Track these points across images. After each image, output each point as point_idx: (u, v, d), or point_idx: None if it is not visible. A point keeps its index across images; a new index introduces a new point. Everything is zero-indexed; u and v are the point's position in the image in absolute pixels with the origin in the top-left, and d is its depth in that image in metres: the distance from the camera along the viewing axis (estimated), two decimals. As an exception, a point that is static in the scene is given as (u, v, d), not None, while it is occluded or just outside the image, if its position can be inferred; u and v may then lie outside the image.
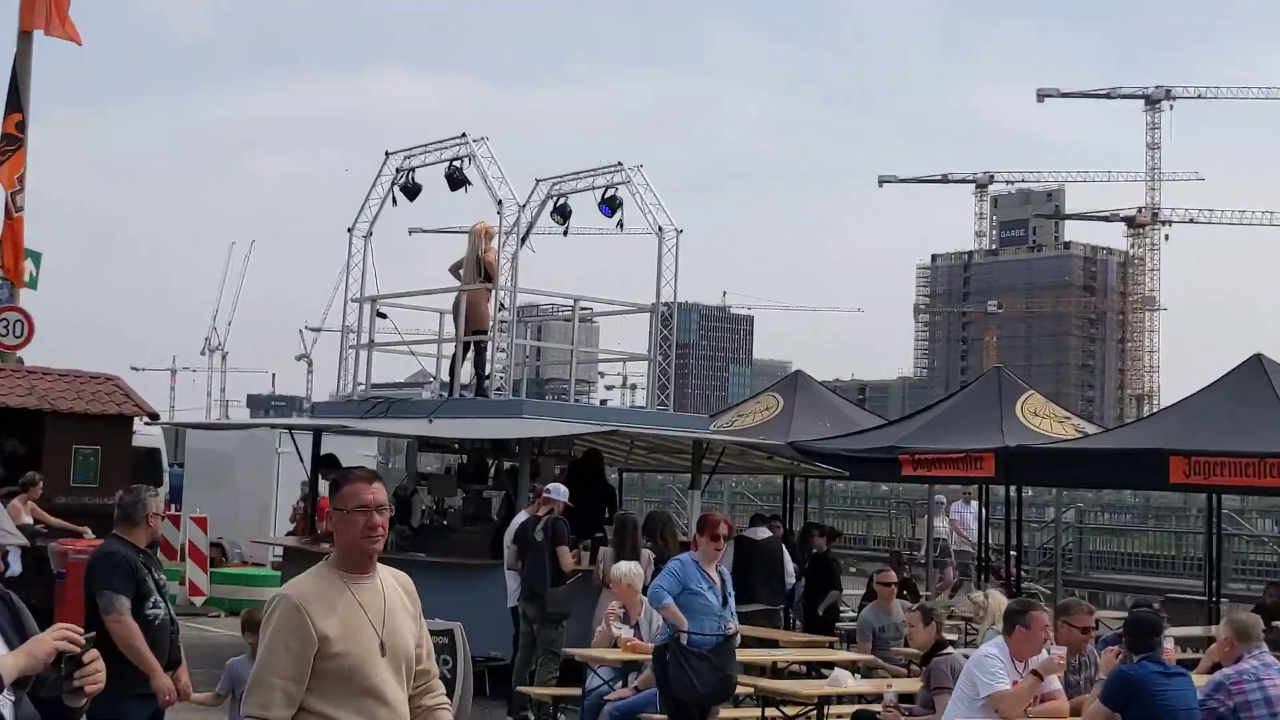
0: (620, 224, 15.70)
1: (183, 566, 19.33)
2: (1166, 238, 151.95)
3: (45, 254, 20.43)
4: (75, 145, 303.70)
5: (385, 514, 4.48)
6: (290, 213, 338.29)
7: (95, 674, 3.47)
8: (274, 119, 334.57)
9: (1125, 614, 10.71)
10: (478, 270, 14.93)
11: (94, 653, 3.49)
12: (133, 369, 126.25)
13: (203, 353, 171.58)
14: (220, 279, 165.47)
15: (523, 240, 15.77)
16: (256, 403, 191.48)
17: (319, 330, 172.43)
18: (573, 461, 15.33)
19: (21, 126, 18.13)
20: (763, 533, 14.57)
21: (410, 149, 15.90)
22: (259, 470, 23.38)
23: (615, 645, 10.59)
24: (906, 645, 10.93)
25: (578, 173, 16.28)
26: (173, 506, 23.64)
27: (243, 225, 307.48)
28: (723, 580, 9.09)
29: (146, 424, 21.94)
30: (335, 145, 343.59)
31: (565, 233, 16.71)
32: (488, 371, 15.77)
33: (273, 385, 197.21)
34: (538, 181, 16.67)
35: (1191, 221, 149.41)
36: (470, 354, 15.39)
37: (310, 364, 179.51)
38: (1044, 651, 7.50)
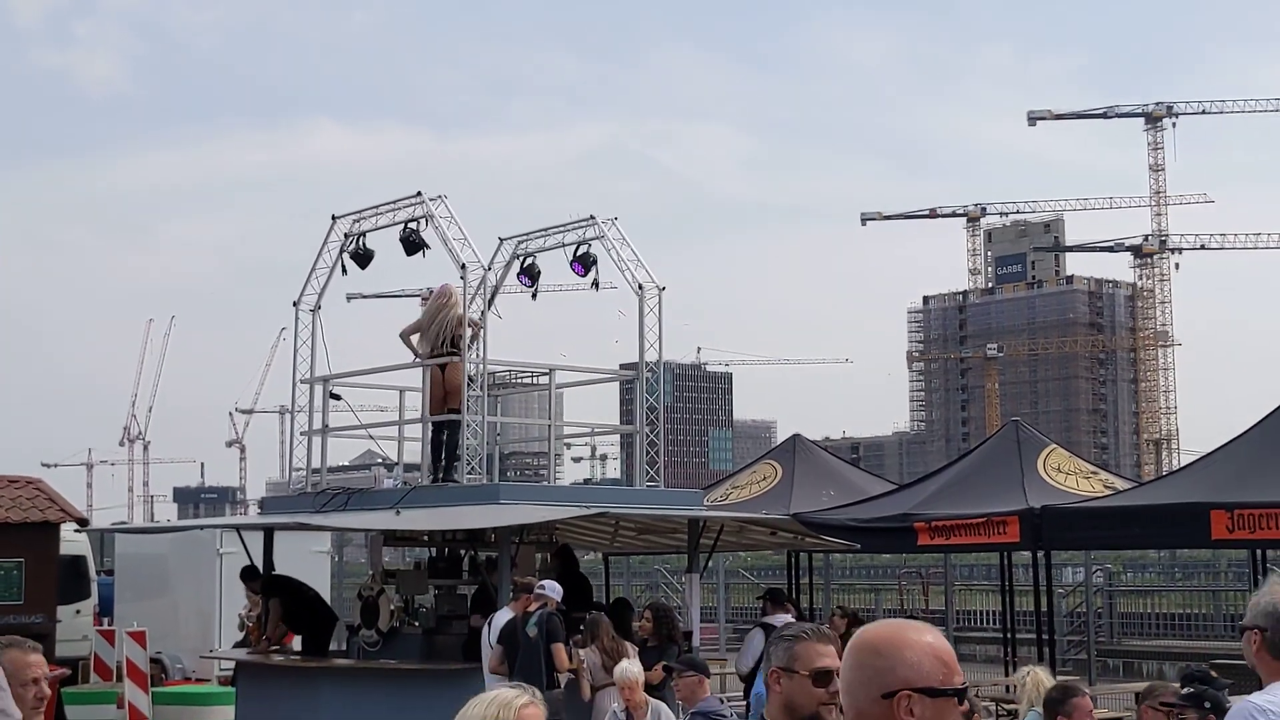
0: (595, 283, 15.71)
1: (120, 688, 19.01)
2: (1176, 266, 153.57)
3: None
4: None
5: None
6: (213, 283, 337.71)
7: None
8: (191, 179, 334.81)
9: (1178, 684, 10.66)
10: (444, 339, 14.85)
11: None
12: (43, 465, 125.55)
13: (121, 443, 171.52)
14: (138, 361, 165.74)
15: (488, 305, 15.74)
16: (185, 496, 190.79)
17: (251, 412, 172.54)
18: (559, 550, 15.27)
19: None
20: (784, 619, 14.49)
21: (360, 211, 15.87)
22: (199, 575, 23.12)
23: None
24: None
25: (545, 229, 16.29)
26: (104, 620, 23.34)
27: (161, 299, 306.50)
28: None
29: (76, 531, 21.73)
30: (261, 206, 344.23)
31: (534, 295, 16.72)
32: (457, 452, 15.68)
33: (201, 475, 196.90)
34: (501, 240, 16.68)
35: (1202, 248, 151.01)
36: (432, 434, 15.30)
37: (243, 450, 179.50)
38: None
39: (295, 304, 16.31)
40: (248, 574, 16.58)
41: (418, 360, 15.07)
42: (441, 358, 14.77)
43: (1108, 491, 17.74)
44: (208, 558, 22.64)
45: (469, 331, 14.74)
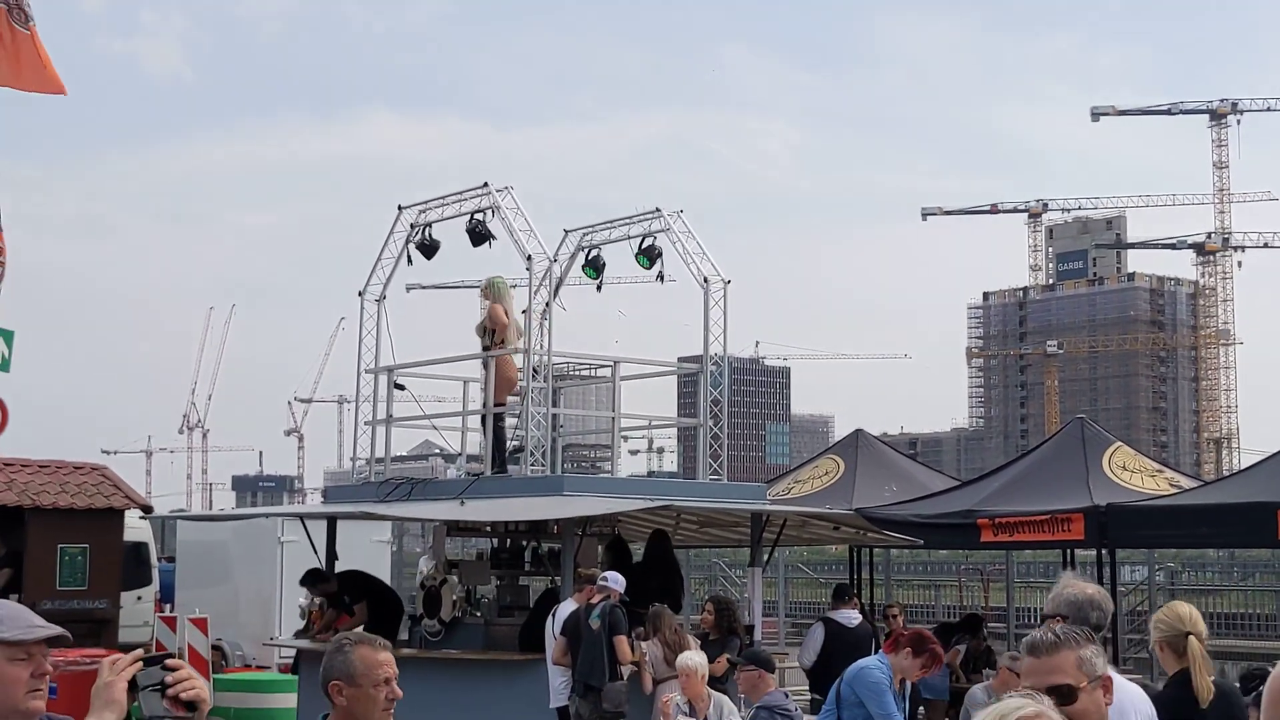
0: (660, 276, 15.71)
1: (183, 674, 19.22)
2: (1239, 265, 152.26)
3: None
4: (40, 203, 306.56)
5: None
6: (274, 272, 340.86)
7: (188, 678, 3.52)
8: (252, 168, 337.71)
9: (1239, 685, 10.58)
10: (516, 333, 14.97)
11: (174, 659, 3.55)
12: (103, 451, 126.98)
13: (181, 431, 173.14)
14: (199, 348, 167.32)
15: (553, 296, 15.79)
16: (243, 484, 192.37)
17: (309, 401, 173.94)
18: (612, 542, 15.26)
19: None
20: (855, 618, 14.47)
21: (425, 202, 15.94)
22: (259, 563, 23.33)
23: (683, 744, 10.49)
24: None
25: (610, 221, 16.30)
26: (166, 607, 23.60)
27: (222, 287, 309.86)
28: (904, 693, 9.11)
29: (141, 518, 21.99)
30: (319, 196, 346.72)
31: (599, 287, 16.74)
32: (510, 443, 15.71)
33: (260, 464, 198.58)
34: (566, 232, 16.70)
35: (1266, 246, 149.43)
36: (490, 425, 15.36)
37: (301, 439, 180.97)
38: None
39: (360, 294, 16.42)
40: (314, 578, 16.16)
41: (485, 352, 15.13)
42: (502, 350, 14.86)
43: (1173, 490, 17.59)
44: (269, 546, 22.83)
45: (510, 322, 14.81)
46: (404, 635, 15.57)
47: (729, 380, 15.71)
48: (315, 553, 16.72)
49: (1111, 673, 5.75)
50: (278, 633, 21.22)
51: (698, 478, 15.58)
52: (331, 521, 16.72)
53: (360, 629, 16.54)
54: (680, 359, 19.66)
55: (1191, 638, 6.50)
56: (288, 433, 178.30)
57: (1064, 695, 3.96)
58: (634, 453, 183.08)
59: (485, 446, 15.17)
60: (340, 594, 15.98)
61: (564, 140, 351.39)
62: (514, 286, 15.68)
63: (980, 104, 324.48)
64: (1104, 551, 17.96)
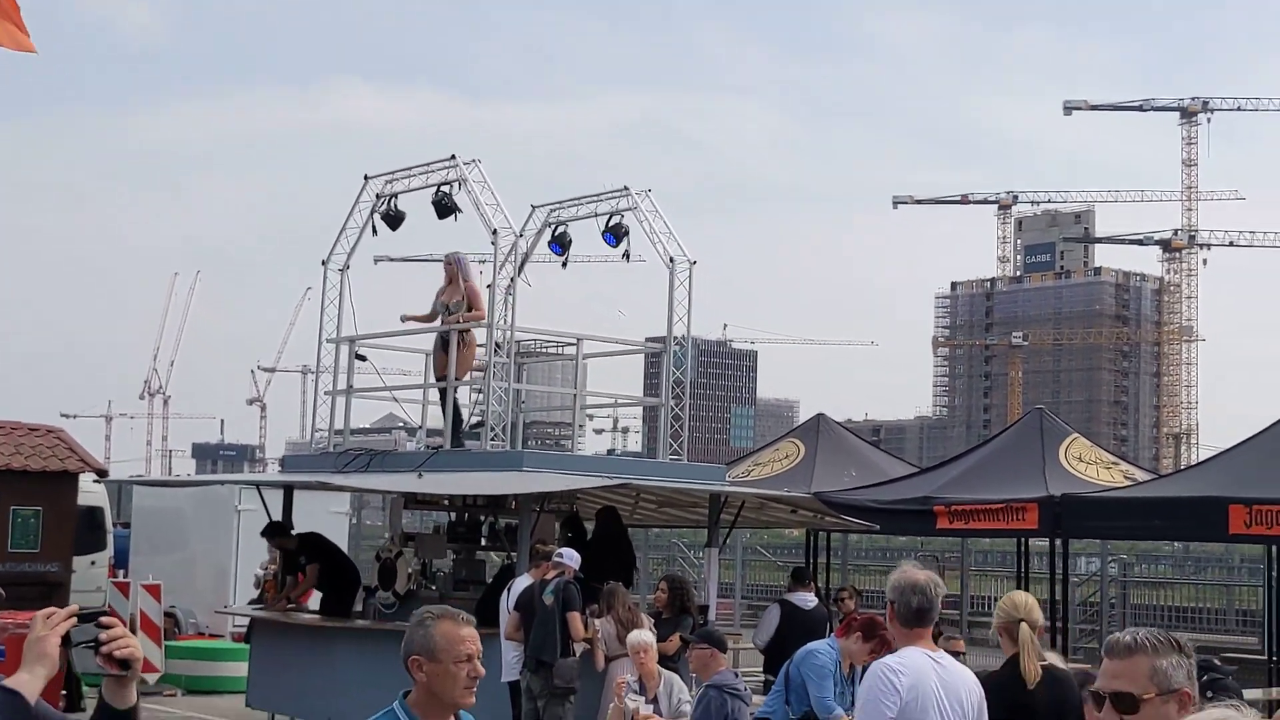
0: (626, 255, 15.73)
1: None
2: (1205, 262, 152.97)
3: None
4: (7, 165, 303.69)
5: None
6: (240, 240, 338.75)
7: (122, 636, 3.49)
8: (222, 135, 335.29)
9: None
10: (466, 306, 14.97)
11: (109, 618, 3.52)
12: (63, 415, 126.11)
13: (141, 397, 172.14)
14: (162, 315, 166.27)
15: (518, 272, 15.77)
16: (203, 452, 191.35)
17: (273, 371, 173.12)
18: (568, 519, 15.28)
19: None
20: (811, 600, 14.52)
21: (392, 173, 15.89)
22: (216, 531, 23.27)
23: (632, 722, 10.54)
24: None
25: (578, 198, 16.30)
26: (120, 572, 23.50)
27: (187, 254, 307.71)
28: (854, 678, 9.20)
29: (95, 482, 21.87)
30: (290, 165, 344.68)
31: (565, 264, 16.74)
32: (468, 419, 15.71)
33: (221, 433, 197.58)
34: (534, 208, 16.69)
35: (1231, 245, 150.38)
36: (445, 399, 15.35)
37: (264, 408, 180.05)
38: None
39: (324, 263, 16.37)
40: (275, 530, 16.35)
41: (443, 325, 15.11)
42: (464, 324, 14.85)
43: (1127, 483, 17.73)
44: (226, 514, 22.77)
45: (460, 299, 14.83)
46: (358, 607, 15.56)
47: (693, 361, 15.71)
48: (279, 520, 16.69)
49: (941, 653, 6.06)
50: (232, 601, 21.17)
51: (658, 457, 15.61)
52: (288, 490, 16.68)
53: (310, 593, 16.56)
54: (648, 339, 19.68)
55: (1023, 624, 6.84)
56: (250, 402, 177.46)
57: (1125, 704, 3.73)
58: (599, 432, 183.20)
59: (446, 420, 15.16)
60: (296, 554, 16.01)
61: (538, 117, 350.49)
62: (483, 262, 15.69)
63: (955, 95, 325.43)
64: (1057, 541, 18.08)
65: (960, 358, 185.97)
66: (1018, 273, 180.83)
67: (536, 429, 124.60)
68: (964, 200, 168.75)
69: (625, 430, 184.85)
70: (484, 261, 15.75)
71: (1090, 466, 18.17)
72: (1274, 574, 19.89)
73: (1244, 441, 17.03)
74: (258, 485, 18.37)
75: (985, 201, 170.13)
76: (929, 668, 5.93)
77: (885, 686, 5.81)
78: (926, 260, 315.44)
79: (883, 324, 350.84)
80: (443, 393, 15.31)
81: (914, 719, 5.81)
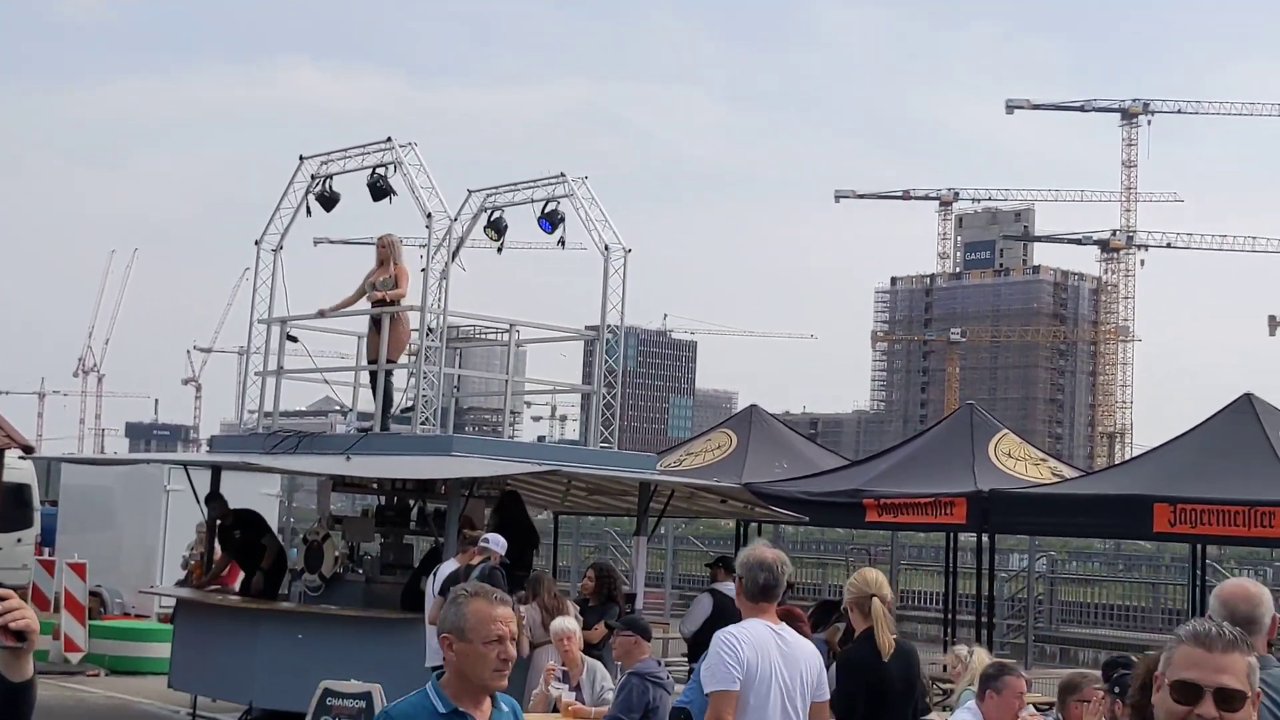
0: (562, 241, 15.71)
1: (57, 618, 18.97)
2: (1142, 263, 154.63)
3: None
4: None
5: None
6: (179, 218, 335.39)
7: (18, 608, 3.42)
8: (163, 111, 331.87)
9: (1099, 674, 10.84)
10: (393, 285, 14.92)
11: (5, 590, 3.46)
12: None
13: (75, 375, 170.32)
14: (98, 291, 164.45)
15: (453, 257, 15.71)
16: (137, 432, 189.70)
17: (209, 351, 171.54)
18: (499, 504, 15.25)
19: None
20: (732, 587, 14.53)
21: (328, 154, 15.79)
22: (144, 510, 23.07)
23: (555, 709, 10.55)
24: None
25: (514, 184, 16.27)
26: (45, 550, 23.27)
27: (125, 231, 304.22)
28: None
29: (21, 458, 21.63)
30: (232, 143, 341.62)
31: (500, 249, 16.69)
32: (400, 402, 15.64)
33: (155, 412, 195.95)
34: (470, 193, 16.64)
35: (1169, 246, 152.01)
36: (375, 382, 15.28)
37: (199, 389, 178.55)
38: None
39: (257, 243, 16.25)
40: (214, 499, 16.24)
41: (373, 309, 15.04)
42: (392, 307, 14.79)
43: (1055, 479, 17.93)
44: (154, 493, 22.57)
45: (388, 278, 14.79)
46: (284, 590, 15.47)
47: (632, 350, 15.75)
48: (199, 502, 16.58)
49: (783, 626, 6.47)
50: (159, 581, 21.00)
51: (589, 445, 15.62)
52: (216, 471, 16.55)
53: (235, 572, 16.44)
54: (586, 327, 19.70)
55: (875, 599, 7.24)
56: (185, 382, 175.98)
57: (1232, 701, 3.44)
58: (537, 419, 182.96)
59: (376, 403, 15.10)
60: (231, 528, 15.97)
61: (480, 101, 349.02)
62: (421, 246, 15.61)
63: (899, 90, 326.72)
64: (985, 536, 18.25)
65: (899, 353, 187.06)
66: (957, 269, 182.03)
67: (474, 415, 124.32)
68: (905, 196, 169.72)
69: (564, 418, 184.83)
70: (421, 246, 15.68)
71: (1019, 463, 18.37)
72: (1198, 572, 20.17)
73: (1172, 440, 17.27)
74: (185, 465, 18.21)
75: (927, 198, 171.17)
76: (770, 639, 6.34)
77: (729, 653, 6.20)
78: (867, 255, 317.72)
79: (823, 317, 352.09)
80: (373, 375, 15.24)
81: (753, 687, 6.17)
